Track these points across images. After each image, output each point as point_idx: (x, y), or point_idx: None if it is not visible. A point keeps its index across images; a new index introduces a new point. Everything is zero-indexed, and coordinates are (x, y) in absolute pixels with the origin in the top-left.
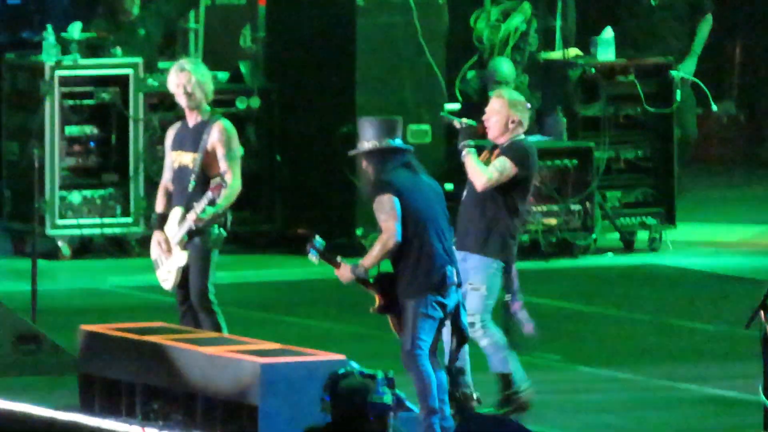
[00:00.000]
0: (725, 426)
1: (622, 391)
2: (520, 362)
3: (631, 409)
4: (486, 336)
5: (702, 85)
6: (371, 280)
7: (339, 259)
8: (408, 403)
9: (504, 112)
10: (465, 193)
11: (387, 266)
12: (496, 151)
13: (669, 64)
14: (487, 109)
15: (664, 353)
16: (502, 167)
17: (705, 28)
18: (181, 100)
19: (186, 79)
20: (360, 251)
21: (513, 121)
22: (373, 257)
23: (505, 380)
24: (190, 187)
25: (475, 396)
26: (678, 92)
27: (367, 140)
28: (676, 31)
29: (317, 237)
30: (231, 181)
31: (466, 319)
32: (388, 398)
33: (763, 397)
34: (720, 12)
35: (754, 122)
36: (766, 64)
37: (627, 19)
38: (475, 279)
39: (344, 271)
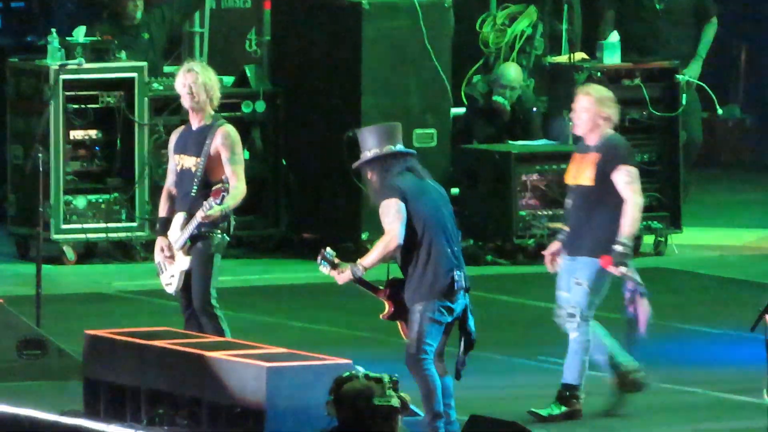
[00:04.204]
0: (731, 429)
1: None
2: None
3: (637, 413)
4: (578, 331)
5: (707, 88)
6: (365, 279)
7: (336, 260)
8: (413, 407)
9: (594, 110)
10: (572, 199)
11: (397, 272)
12: (593, 154)
13: (674, 68)
14: (575, 106)
15: (670, 357)
16: (633, 178)
17: (710, 31)
18: (186, 101)
19: (192, 79)
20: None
21: (603, 118)
22: (372, 257)
23: (566, 389)
24: (193, 191)
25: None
26: (683, 96)
27: (369, 149)
28: (681, 35)
29: (328, 248)
30: (237, 184)
31: (473, 323)
32: (394, 401)
33: (767, 400)
34: (725, 15)
35: (759, 126)
36: None
37: (633, 23)
38: (580, 275)
39: (342, 273)
